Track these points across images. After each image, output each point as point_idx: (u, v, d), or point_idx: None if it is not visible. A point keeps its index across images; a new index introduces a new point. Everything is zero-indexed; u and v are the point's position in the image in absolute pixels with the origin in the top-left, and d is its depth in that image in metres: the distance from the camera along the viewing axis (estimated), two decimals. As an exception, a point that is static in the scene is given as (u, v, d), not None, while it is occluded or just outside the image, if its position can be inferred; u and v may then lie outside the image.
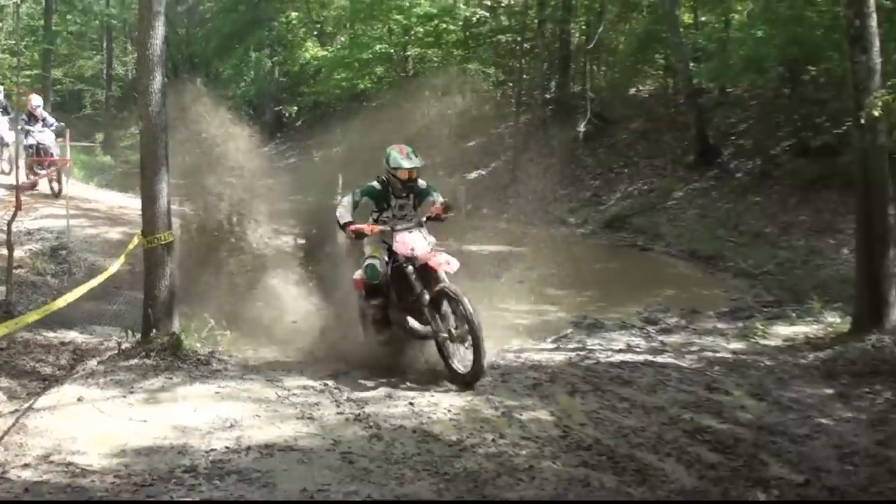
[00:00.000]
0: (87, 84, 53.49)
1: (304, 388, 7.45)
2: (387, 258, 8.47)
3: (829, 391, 8.25)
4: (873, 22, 9.47)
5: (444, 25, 33.71)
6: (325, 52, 40.62)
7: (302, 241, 14.98)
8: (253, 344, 9.41)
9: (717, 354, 9.75)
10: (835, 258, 15.36)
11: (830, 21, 17.66)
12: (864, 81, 9.46)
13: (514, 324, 11.45)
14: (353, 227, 8.53)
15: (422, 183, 9.25)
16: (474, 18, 32.38)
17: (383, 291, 8.41)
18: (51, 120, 19.27)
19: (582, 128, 26.86)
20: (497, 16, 32.24)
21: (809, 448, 6.69)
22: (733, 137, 23.63)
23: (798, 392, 8.19)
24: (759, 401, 7.89)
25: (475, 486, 5.63)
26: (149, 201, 8.57)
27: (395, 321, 8.41)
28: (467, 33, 33.63)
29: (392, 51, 36.03)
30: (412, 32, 34.84)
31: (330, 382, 7.61)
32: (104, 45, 54.28)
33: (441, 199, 9.25)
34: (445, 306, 8.06)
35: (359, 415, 6.80)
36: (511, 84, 31.74)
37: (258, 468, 5.73)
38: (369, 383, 7.77)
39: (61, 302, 8.23)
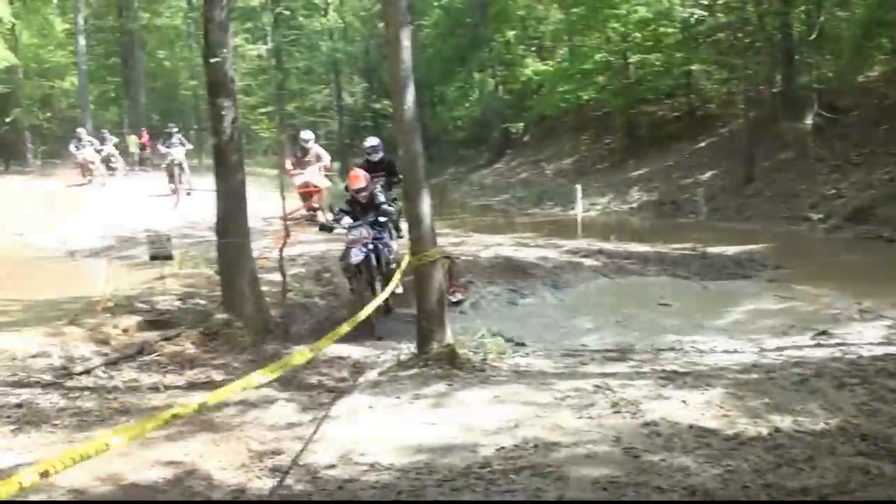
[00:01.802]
0: (319, 116, 55.39)
1: (577, 390, 7.66)
2: None
3: None
4: None
5: (662, 29, 33.48)
6: (545, 67, 40.94)
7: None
8: (521, 350, 9.78)
9: None
10: None
11: None
12: None
13: (768, 323, 11.46)
14: None
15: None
16: (692, 19, 31.97)
17: None
18: (323, 154, 20.74)
19: (810, 120, 26.22)
20: (715, 13, 31.78)
21: None
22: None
23: None
24: None
25: (758, 476, 5.74)
26: (415, 222, 9.13)
27: None
28: (686, 34, 33.27)
29: (612, 59, 35.92)
30: (630, 39, 34.63)
31: (602, 384, 7.82)
32: (332, 77, 56.21)
33: None
34: None
35: (635, 413, 6.96)
36: (735, 81, 31.21)
37: (548, 462, 5.99)
38: (636, 383, 7.99)
39: (362, 314, 8.89)
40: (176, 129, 29.46)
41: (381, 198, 12.89)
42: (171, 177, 27.90)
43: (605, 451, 6.22)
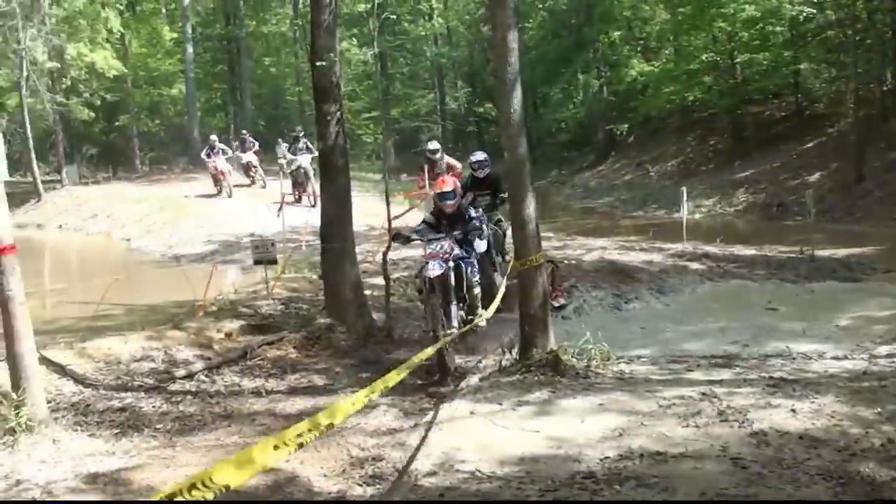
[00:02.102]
0: (423, 121, 55.62)
1: (683, 397, 7.52)
2: None
3: None
4: None
5: (770, 27, 32.90)
6: (650, 68, 40.49)
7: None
8: (625, 356, 9.66)
9: None
10: None
11: None
12: None
13: (878, 329, 11.19)
14: None
15: None
16: (801, 16, 31.33)
17: None
18: (455, 163, 19.91)
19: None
20: (824, 10, 31.11)
21: None
22: None
23: None
24: None
25: (872, 489, 5.56)
26: (519, 227, 9.06)
27: None
28: (794, 32, 32.64)
29: (718, 59, 35.42)
30: (737, 38, 34.09)
31: (708, 392, 7.67)
32: (435, 82, 56.43)
33: None
34: None
35: (743, 422, 6.79)
36: (844, 80, 30.56)
37: (654, 473, 5.87)
38: (742, 390, 7.82)
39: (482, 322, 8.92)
40: (302, 134, 27.91)
41: (473, 212, 11.73)
42: (297, 184, 27.34)
43: (713, 461, 6.08)
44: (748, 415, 6.98)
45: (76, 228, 31.76)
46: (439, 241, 10.75)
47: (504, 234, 13.34)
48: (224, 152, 31.10)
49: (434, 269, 10.34)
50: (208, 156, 30.85)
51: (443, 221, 11.29)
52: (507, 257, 12.68)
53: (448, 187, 11.32)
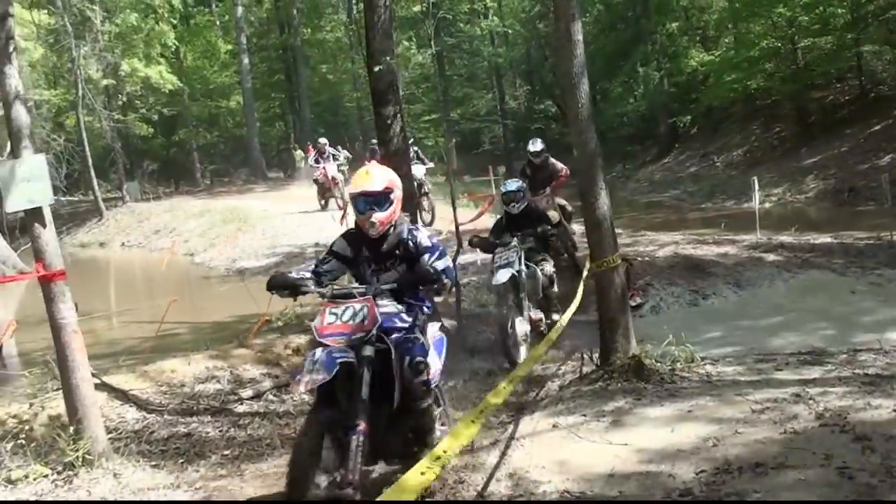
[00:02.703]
0: (483, 121, 55.51)
1: (776, 400, 7.09)
2: None
3: None
4: None
5: (831, 9, 32.29)
6: (710, 57, 40.05)
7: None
8: (711, 357, 9.24)
9: None
10: None
11: None
12: None
13: None
14: None
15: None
16: (862, -2, 30.73)
17: None
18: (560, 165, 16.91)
19: None
20: (885, -9, 30.50)
21: None
22: None
23: None
24: None
25: None
26: (594, 227, 8.66)
27: None
28: (855, 14, 31.93)
29: (779, 45, 34.81)
30: (797, 22, 33.48)
31: (802, 393, 7.26)
32: (494, 82, 56.26)
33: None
34: None
35: (843, 426, 6.35)
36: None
37: (756, 488, 5.44)
38: (837, 390, 7.39)
39: (553, 334, 8.53)
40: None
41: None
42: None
43: (817, 472, 5.64)
44: (848, 417, 6.53)
45: (139, 245, 31.93)
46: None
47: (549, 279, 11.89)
48: (335, 157, 28.09)
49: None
50: (317, 161, 27.63)
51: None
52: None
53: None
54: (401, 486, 4.32)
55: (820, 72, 34.49)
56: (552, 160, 15.72)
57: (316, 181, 28.07)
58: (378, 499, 4.36)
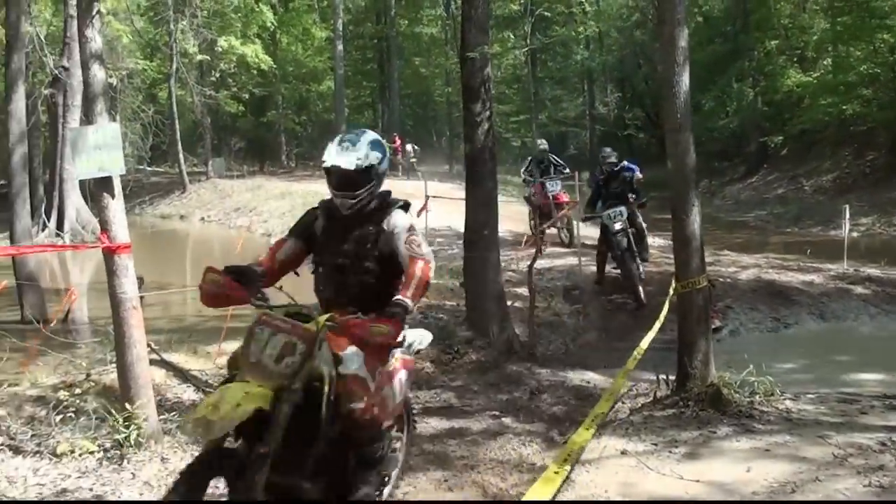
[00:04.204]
0: (571, 126, 55.20)
1: (860, 447, 6.67)
2: None
3: None
4: None
5: (937, 39, 31.48)
6: (807, 78, 39.25)
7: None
8: (790, 391, 8.81)
9: None
10: None
11: None
12: None
13: None
14: None
15: None
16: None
17: None
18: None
19: None
20: None
21: None
22: None
23: None
24: None
25: None
26: (681, 244, 8.27)
27: None
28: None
29: (879, 71, 33.98)
30: (898, 49, 32.70)
31: (889, 442, 6.82)
32: (584, 86, 55.93)
33: None
34: None
35: (938, 483, 5.96)
36: None
37: (835, 545, 5.15)
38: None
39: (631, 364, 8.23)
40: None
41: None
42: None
43: (903, 531, 5.29)
44: (943, 474, 6.12)
45: (219, 221, 32.09)
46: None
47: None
48: (560, 170, 20.16)
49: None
50: (532, 174, 20.46)
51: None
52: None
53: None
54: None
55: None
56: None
57: (529, 200, 20.59)
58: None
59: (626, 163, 15.87)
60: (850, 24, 35.05)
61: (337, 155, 5.23)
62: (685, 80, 8.20)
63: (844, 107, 35.42)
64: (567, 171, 19.77)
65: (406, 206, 5.54)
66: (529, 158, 21.43)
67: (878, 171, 33.74)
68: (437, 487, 6.45)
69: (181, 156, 39.61)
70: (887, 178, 32.11)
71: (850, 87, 35.12)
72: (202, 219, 32.91)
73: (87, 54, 6.87)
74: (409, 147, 42.49)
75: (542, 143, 22.24)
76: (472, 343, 10.77)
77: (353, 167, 5.20)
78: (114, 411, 7.10)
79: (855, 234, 25.41)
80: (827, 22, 40.04)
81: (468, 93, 11.33)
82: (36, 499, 6.14)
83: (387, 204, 5.49)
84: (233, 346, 9.98)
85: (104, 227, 7.01)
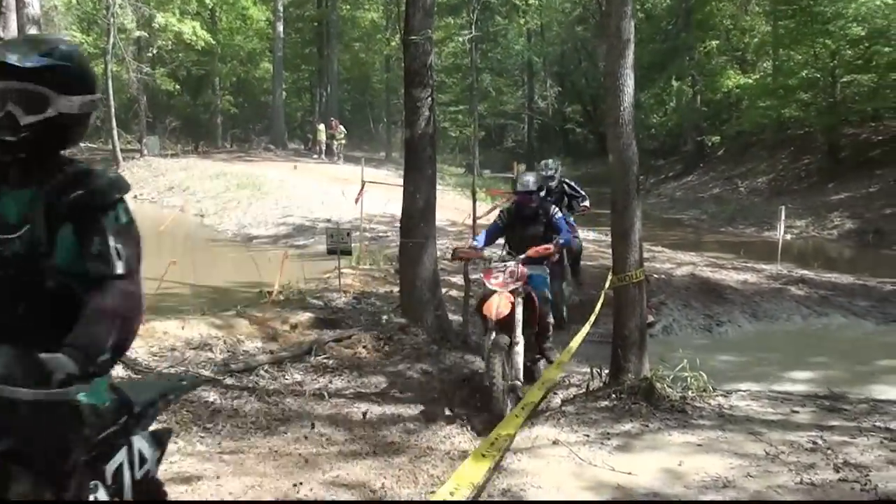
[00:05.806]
0: (509, 118, 55.30)
1: (792, 445, 6.64)
2: None
3: None
4: None
5: (877, 48, 31.85)
6: (747, 80, 39.68)
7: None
8: (723, 388, 8.78)
9: None
10: None
11: None
12: None
13: None
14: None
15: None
16: (911, 39, 30.28)
17: None
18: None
19: None
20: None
21: None
22: None
23: None
24: None
25: None
26: (620, 238, 8.20)
27: None
28: (902, 54, 31.51)
29: (819, 76, 34.39)
30: (840, 56, 33.05)
31: (820, 440, 6.81)
32: (524, 79, 56.05)
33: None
34: None
35: (865, 484, 5.89)
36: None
37: (767, 542, 5.09)
38: (858, 442, 6.87)
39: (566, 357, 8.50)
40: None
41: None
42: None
43: (835, 530, 5.25)
44: (870, 475, 6.08)
45: (151, 200, 31.70)
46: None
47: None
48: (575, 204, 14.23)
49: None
50: None
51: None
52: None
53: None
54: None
55: (857, 109, 34.03)
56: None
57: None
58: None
59: (566, 183, 13.54)
60: (793, 28, 35.36)
61: None
62: (630, 73, 8.13)
63: (783, 110, 35.93)
64: (587, 203, 13.88)
65: None
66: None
67: (814, 175, 34.16)
68: (367, 473, 6.33)
69: (115, 132, 38.99)
70: (822, 182, 32.51)
71: (789, 90, 35.49)
72: (135, 197, 32.34)
73: (24, 19, 6.67)
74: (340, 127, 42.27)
75: (551, 167, 13.64)
76: (406, 330, 10.60)
77: None
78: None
79: (789, 237, 25.64)
80: (769, 25, 40.43)
81: (410, 77, 11.11)
82: None
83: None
84: (164, 325, 9.83)
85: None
